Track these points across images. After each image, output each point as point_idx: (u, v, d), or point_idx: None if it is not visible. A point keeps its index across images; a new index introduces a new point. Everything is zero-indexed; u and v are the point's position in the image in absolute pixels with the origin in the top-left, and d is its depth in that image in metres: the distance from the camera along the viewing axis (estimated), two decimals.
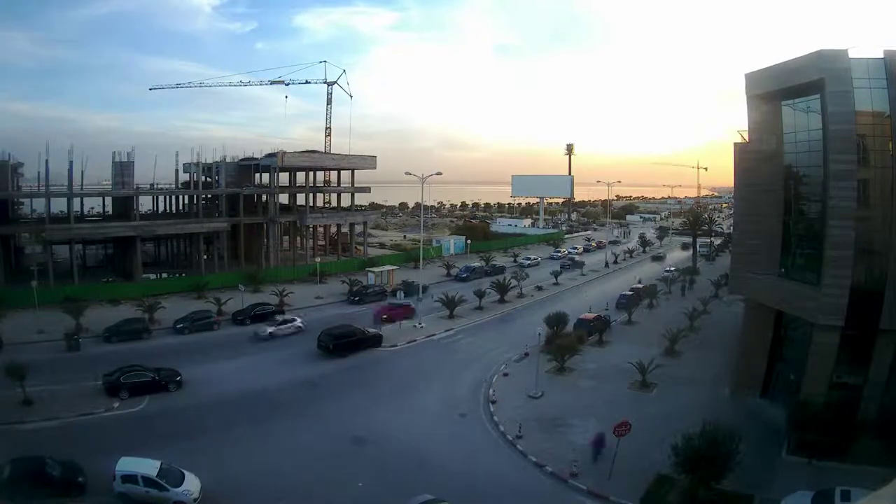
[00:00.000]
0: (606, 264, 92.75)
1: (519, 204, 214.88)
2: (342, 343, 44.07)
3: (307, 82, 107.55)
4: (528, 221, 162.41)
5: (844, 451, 26.55)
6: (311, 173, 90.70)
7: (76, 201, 67.44)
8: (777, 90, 33.34)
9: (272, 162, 78.08)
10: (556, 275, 76.55)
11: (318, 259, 75.81)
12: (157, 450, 26.12)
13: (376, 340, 46.63)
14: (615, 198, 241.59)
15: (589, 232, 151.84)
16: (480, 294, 60.88)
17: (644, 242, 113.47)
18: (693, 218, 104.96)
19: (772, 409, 33.13)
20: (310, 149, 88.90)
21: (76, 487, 23.65)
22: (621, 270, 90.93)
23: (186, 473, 24.46)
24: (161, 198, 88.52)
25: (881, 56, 28.89)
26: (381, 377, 40.44)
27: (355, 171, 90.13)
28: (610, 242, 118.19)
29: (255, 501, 24.38)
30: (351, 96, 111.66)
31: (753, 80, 34.77)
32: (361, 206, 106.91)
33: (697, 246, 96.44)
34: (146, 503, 23.37)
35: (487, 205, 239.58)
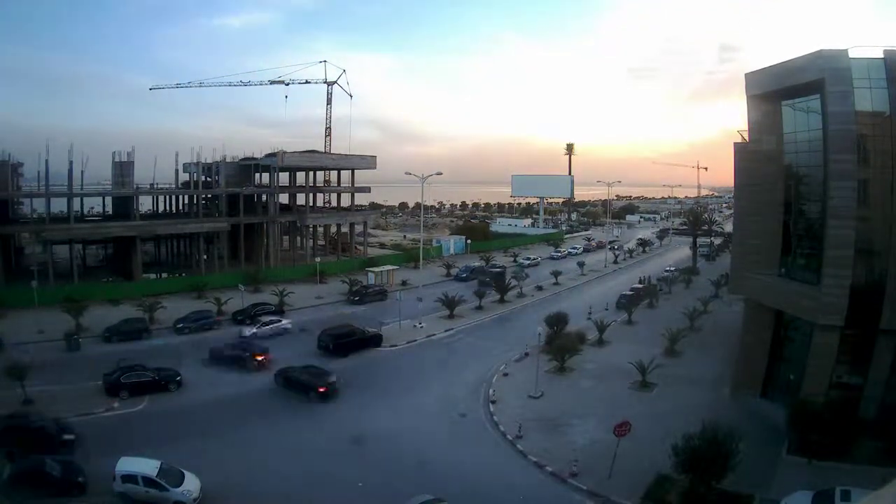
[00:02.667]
0: (605, 265, 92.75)
1: (519, 204, 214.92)
2: (342, 343, 44.09)
3: (307, 82, 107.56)
4: (527, 221, 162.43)
5: (844, 451, 26.54)
6: (310, 173, 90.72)
7: (76, 201, 67.50)
8: (777, 90, 33.29)
9: (272, 162, 78.11)
10: (556, 275, 76.48)
11: (318, 259, 75.75)
12: (157, 450, 26.10)
13: (376, 340, 46.68)
14: (615, 198, 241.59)
15: (589, 232, 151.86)
16: (480, 294, 60.91)
17: (644, 243, 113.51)
18: (693, 218, 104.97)
19: (772, 408, 33.09)
20: (309, 149, 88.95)
21: (76, 487, 23.66)
22: (621, 270, 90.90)
23: (186, 473, 24.48)
24: (161, 198, 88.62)
25: (881, 56, 28.87)
26: (381, 377, 40.43)
27: (355, 171, 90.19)
28: (610, 242, 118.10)
29: (254, 501, 24.40)
30: (351, 96, 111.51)
31: (753, 79, 34.73)
32: (361, 206, 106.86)
33: (697, 245, 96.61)
34: (146, 503, 23.40)
35: (487, 205, 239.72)
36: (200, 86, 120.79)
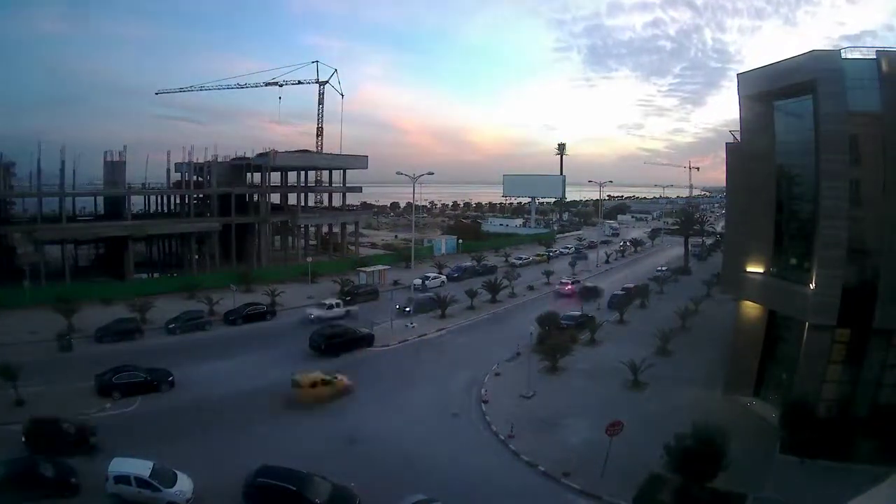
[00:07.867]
0: (597, 264, 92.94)
1: (511, 203, 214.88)
2: (334, 343, 44.00)
3: (300, 83, 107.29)
4: (519, 221, 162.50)
5: (837, 450, 26.72)
6: (302, 173, 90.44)
7: (68, 201, 67.04)
8: (770, 90, 33.52)
9: (264, 161, 77.86)
10: (548, 274, 76.66)
11: (309, 259, 75.50)
12: (150, 450, 25.97)
13: (368, 340, 46.59)
14: (607, 197, 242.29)
15: (580, 231, 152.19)
16: (472, 294, 60.91)
17: (636, 242, 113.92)
18: (685, 218, 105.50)
19: (764, 408, 33.32)
20: (301, 148, 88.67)
21: (69, 488, 23.54)
22: (613, 270, 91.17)
23: (179, 474, 24.39)
24: (153, 197, 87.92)
25: (873, 57, 29.13)
26: (372, 377, 40.29)
27: (346, 171, 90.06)
28: (602, 242, 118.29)
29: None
30: (342, 95, 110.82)
31: (746, 80, 34.96)
32: (353, 205, 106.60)
33: (689, 245, 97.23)
34: None
35: (479, 204, 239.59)
36: (202, 89, 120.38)
